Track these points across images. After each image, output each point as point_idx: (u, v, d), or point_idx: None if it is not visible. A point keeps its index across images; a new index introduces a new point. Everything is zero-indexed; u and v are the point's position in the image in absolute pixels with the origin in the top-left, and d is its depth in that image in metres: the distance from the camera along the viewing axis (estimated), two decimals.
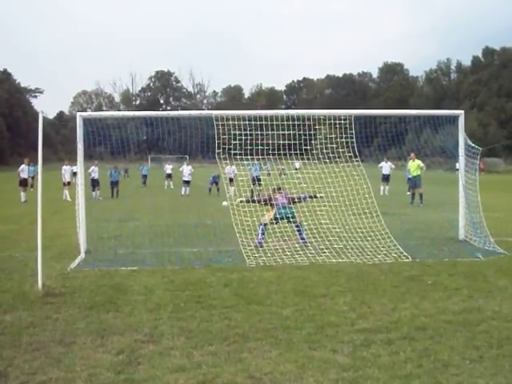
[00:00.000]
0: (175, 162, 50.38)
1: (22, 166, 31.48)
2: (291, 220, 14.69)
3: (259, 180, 26.86)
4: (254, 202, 15.57)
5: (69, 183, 31.49)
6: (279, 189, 15.43)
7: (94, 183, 32.59)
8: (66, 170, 31.69)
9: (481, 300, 9.03)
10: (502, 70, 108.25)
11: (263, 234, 14.55)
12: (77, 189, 14.41)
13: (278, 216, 14.68)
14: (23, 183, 30.76)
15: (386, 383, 5.78)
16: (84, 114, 14.73)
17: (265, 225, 14.68)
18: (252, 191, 21.46)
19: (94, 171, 32.40)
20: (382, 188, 32.72)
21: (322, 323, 7.82)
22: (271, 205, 14.94)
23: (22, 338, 7.30)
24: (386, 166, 33.35)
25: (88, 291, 9.83)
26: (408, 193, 29.63)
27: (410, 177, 27.98)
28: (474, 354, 6.58)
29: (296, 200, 15.29)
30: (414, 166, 27.33)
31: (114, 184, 33.96)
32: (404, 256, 12.73)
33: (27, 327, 7.80)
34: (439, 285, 10.11)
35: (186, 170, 35.90)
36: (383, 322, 7.84)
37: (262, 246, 14.05)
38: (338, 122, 14.68)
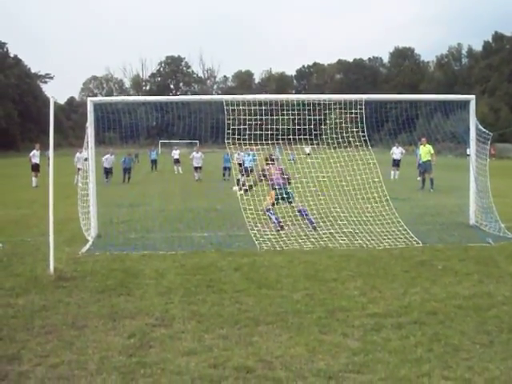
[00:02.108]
0: (185, 148, 50.38)
1: (34, 151, 31.61)
2: (291, 202, 14.72)
3: (251, 171, 27.09)
4: (250, 187, 15.60)
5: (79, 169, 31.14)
6: (272, 160, 15.38)
7: (107, 171, 32.78)
8: (79, 157, 30.25)
9: (491, 285, 9.02)
10: None
11: (274, 214, 14.60)
12: (82, 174, 14.48)
13: (278, 197, 14.74)
14: (35, 168, 30.85)
15: (396, 367, 5.80)
16: (94, 98, 14.78)
17: (268, 210, 14.71)
18: (238, 180, 21.40)
19: (108, 160, 32.35)
20: (392, 173, 32.64)
21: (332, 307, 7.85)
22: (266, 178, 14.96)
23: (35, 322, 7.37)
24: (396, 152, 33.31)
25: (99, 275, 9.89)
26: (419, 178, 29.53)
27: (420, 162, 27.87)
28: (485, 338, 6.59)
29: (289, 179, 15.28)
30: (426, 150, 27.21)
31: (127, 170, 34.43)
32: (414, 241, 12.72)
33: (39, 311, 7.86)
34: (450, 270, 10.10)
35: (196, 156, 35.75)
36: (394, 307, 7.85)
37: (282, 227, 14.20)
38: (348, 106, 14.64)
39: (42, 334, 6.92)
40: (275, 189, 14.79)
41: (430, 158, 26.99)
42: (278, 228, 14.19)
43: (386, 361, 5.96)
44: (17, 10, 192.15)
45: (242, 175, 23.10)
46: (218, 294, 8.61)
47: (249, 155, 29.74)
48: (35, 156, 31.37)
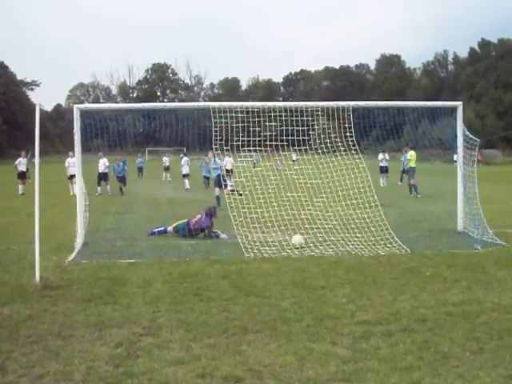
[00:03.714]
0: (172, 154, 50.29)
1: (20, 158, 31.35)
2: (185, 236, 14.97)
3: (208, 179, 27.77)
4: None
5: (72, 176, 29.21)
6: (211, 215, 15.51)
7: (101, 177, 30.32)
8: (70, 162, 28.18)
9: (480, 292, 9.01)
10: (500, 62, 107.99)
11: (156, 230, 15.42)
12: (70, 180, 14.41)
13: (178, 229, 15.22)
14: (21, 176, 30.61)
15: (386, 375, 5.75)
16: (81, 106, 14.71)
17: (163, 229, 15.35)
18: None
19: (102, 164, 31.31)
20: (381, 180, 32.68)
21: (321, 315, 7.80)
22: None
23: (20, 331, 7.27)
24: (382, 158, 33.44)
25: (86, 284, 9.80)
26: (400, 183, 29.85)
27: (406, 168, 28.04)
28: (475, 345, 6.56)
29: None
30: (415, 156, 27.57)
31: (121, 179, 31.18)
32: (403, 248, 12.72)
33: (25, 320, 7.77)
34: (438, 276, 10.09)
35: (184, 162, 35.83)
36: (383, 314, 7.82)
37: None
38: (336, 113, 14.65)
39: (27, 344, 6.82)
40: (187, 221, 15.11)
41: (414, 165, 27.20)
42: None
43: (375, 369, 5.91)
44: (2, 17, 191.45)
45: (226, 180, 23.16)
46: (205, 303, 8.54)
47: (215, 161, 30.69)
48: (21, 164, 31.08)
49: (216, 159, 23.01)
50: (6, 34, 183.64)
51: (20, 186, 29.81)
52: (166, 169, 43.37)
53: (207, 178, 31.23)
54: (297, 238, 13.79)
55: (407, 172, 28.17)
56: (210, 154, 24.01)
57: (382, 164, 33.44)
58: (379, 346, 6.59)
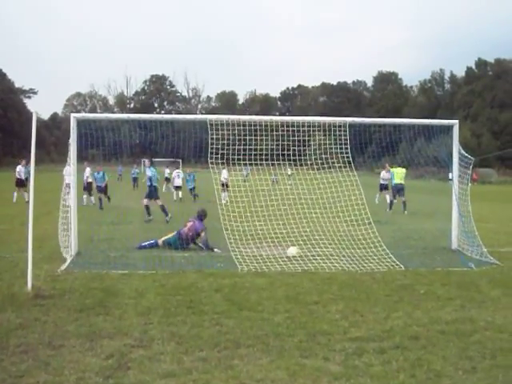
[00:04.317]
0: (168, 166, 50.26)
1: (19, 166, 31.27)
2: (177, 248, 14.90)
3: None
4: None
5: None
6: (201, 218, 15.50)
7: (85, 188, 29.76)
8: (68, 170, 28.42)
9: (474, 310, 9.00)
10: (496, 81, 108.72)
11: (148, 243, 15.05)
12: (64, 191, 14.40)
13: (170, 242, 15.00)
14: (19, 184, 30.51)
15: None
16: (78, 115, 14.67)
17: (154, 243, 15.12)
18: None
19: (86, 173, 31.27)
20: (378, 197, 32.25)
21: (313, 331, 7.76)
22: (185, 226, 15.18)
23: (10, 340, 7.21)
24: (386, 176, 32.80)
25: (78, 293, 9.74)
26: (394, 200, 29.96)
27: (393, 184, 27.96)
28: (467, 364, 6.53)
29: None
30: (401, 172, 27.57)
31: (100, 190, 28.75)
32: (396, 265, 12.70)
33: (15, 329, 7.71)
34: (432, 294, 10.07)
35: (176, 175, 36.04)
36: (376, 331, 7.78)
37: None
38: (332, 129, 14.68)
39: (17, 354, 6.76)
40: (178, 234, 15.06)
41: (403, 182, 27.37)
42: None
43: None
44: (1, 25, 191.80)
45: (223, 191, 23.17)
46: (198, 316, 8.50)
47: (189, 175, 31.41)
48: (21, 172, 30.96)
49: (152, 168, 22.79)
50: (5, 41, 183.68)
51: (15, 194, 29.72)
52: (166, 180, 43.31)
53: (191, 190, 33.19)
54: (292, 250, 14.05)
55: (397, 189, 28.00)
56: (147, 162, 23.78)
57: (382, 182, 32.88)
58: (372, 362, 6.56)
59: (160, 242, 14.92)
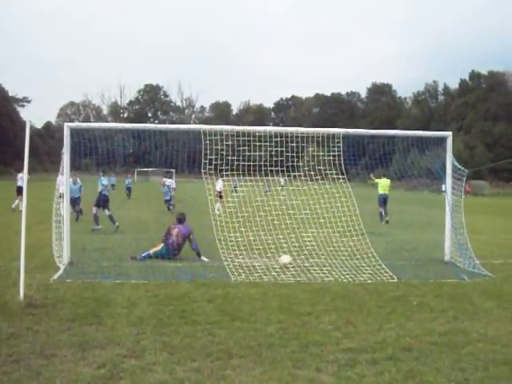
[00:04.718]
0: (161, 176, 50.27)
1: (20, 174, 31.15)
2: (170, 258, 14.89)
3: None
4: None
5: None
6: (181, 222, 15.59)
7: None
8: (62, 180, 26.84)
9: (466, 322, 9.01)
10: (490, 94, 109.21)
11: (145, 255, 14.92)
12: (57, 200, 14.37)
13: (163, 252, 15.00)
14: (20, 191, 30.38)
15: None
16: (72, 124, 14.67)
17: (147, 255, 15.01)
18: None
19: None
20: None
21: (306, 342, 7.76)
22: (167, 233, 15.27)
23: (2, 349, 7.19)
24: None
25: (70, 303, 9.71)
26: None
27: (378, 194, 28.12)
28: (460, 376, 6.54)
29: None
30: (386, 183, 28.00)
31: (73, 202, 23.40)
32: (390, 276, 12.71)
33: (7, 338, 7.68)
34: (425, 306, 10.08)
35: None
36: (368, 342, 7.78)
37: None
38: (326, 140, 14.72)
39: (8, 363, 6.74)
40: (166, 245, 15.03)
41: (387, 192, 27.89)
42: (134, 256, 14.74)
43: None
44: None
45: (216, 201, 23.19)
46: (190, 326, 8.48)
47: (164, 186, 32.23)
48: (20, 179, 30.80)
49: (105, 177, 22.90)
50: None
51: (16, 201, 29.66)
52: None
53: (167, 201, 32.15)
54: (284, 258, 14.22)
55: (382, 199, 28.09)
56: (101, 172, 23.49)
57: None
58: (364, 374, 6.56)
59: (151, 253, 14.90)
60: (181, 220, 15.44)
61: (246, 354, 7.21)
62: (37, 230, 18.64)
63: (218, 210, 21.01)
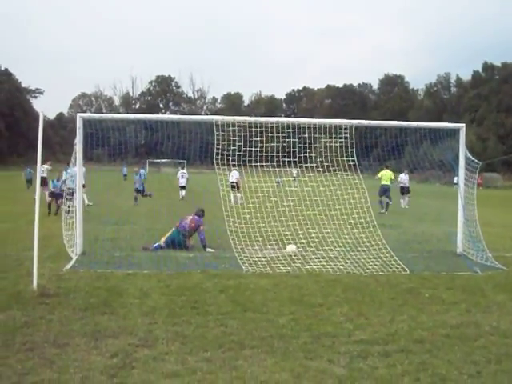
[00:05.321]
0: (172, 167, 50.42)
1: (44, 166, 31.06)
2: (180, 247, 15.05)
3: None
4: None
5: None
6: (199, 215, 15.72)
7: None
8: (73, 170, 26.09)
9: (479, 315, 8.98)
10: (503, 85, 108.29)
11: (156, 246, 15.09)
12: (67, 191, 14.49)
13: (172, 239, 15.15)
14: (45, 182, 30.26)
15: None
16: (84, 115, 14.70)
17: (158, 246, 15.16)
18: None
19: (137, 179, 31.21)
20: (401, 201, 32.08)
21: (318, 333, 7.76)
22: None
23: (16, 338, 7.25)
24: (404, 178, 32.61)
25: (83, 293, 9.76)
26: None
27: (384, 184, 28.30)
28: (472, 368, 6.52)
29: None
30: (389, 175, 28.33)
31: (55, 195, 23.64)
32: (401, 268, 12.67)
33: (21, 327, 7.74)
34: (437, 298, 10.05)
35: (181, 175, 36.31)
36: (380, 334, 7.77)
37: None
38: (338, 131, 14.68)
39: (22, 351, 6.79)
40: (177, 228, 15.26)
41: (389, 183, 28.18)
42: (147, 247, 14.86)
43: None
44: (8, 25, 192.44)
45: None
46: (202, 316, 8.51)
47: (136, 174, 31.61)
48: (46, 170, 30.53)
49: (68, 170, 22.99)
50: (12, 41, 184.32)
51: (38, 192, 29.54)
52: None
53: (138, 191, 31.09)
54: (290, 247, 14.57)
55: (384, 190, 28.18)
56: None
57: (402, 184, 32.65)
58: (376, 365, 6.56)
59: (162, 243, 14.97)
60: (199, 215, 15.53)
61: (258, 344, 7.22)
62: (48, 220, 18.75)
63: (236, 202, 21.04)
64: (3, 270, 11.52)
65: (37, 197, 11.05)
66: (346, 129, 14.63)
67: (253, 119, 15.56)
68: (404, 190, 32.33)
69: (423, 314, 8.97)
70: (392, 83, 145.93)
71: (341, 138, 14.83)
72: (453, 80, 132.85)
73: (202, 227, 15.21)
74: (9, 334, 7.39)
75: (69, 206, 14.38)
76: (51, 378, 6.01)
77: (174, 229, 15.25)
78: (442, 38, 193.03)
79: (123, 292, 9.94)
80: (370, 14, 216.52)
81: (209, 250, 14.79)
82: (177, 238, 14.95)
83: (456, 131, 15.26)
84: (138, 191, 30.99)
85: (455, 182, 17.49)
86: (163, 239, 15.10)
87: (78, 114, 14.18)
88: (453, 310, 9.26)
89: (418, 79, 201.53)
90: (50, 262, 12.21)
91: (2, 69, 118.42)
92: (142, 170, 33.58)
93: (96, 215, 21.26)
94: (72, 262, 12.47)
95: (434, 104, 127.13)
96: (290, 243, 14.83)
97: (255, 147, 15.28)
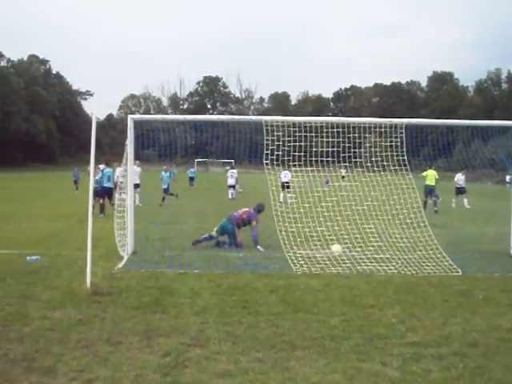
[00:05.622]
0: (220, 167, 50.75)
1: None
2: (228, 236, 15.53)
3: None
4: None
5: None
6: (259, 211, 15.88)
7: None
8: (136, 171, 23.24)
9: None
10: None
11: (205, 236, 15.48)
12: (119, 191, 14.69)
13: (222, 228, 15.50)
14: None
15: None
16: (135, 116, 14.86)
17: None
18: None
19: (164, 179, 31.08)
20: (453, 200, 31.61)
21: (370, 334, 7.69)
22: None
23: (71, 335, 7.38)
24: (461, 178, 31.99)
25: (135, 292, 9.89)
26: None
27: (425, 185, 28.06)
28: None
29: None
30: (432, 175, 28.06)
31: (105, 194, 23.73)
32: (454, 269, 12.47)
33: (75, 325, 7.88)
34: (491, 300, 9.85)
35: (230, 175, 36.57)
36: (433, 337, 7.66)
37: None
38: (388, 130, 14.53)
39: (77, 349, 6.91)
40: (228, 218, 15.59)
41: (433, 183, 27.96)
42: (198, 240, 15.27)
43: None
44: (60, 29, 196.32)
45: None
46: (253, 316, 8.52)
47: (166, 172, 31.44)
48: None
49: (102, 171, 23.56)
50: (62, 44, 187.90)
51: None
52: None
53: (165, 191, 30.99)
54: (335, 248, 14.44)
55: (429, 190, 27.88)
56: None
57: (458, 185, 32.05)
58: (430, 369, 6.46)
59: (214, 233, 15.15)
60: (256, 209, 15.72)
61: (310, 345, 7.20)
62: (99, 220, 19.02)
63: (285, 202, 21.02)
64: (57, 268, 11.76)
65: (90, 199, 11.21)
66: (395, 127, 14.45)
67: (302, 119, 15.53)
68: (460, 191, 31.68)
69: (477, 316, 8.80)
70: (441, 80, 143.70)
71: (390, 136, 14.68)
72: (504, 76, 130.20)
73: (254, 222, 15.30)
74: (64, 332, 7.54)
75: (118, 205, 14.56)
76: (106, 375, 6.10)
77: (224, 219, 15.46)
78: (493, 33, 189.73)
79: (174, 291, 10.02)
80: (419, 10, 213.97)
81: (259, 247, 14.83)
82: (227, 227, 15.24)
83: (508, 129, 14.95)
84: (165, 191, 31.02)
85: (508, 180, 17.13)
86: (215, 229, 15.34)
87: (129, 116, 14.35)
88: (507, 312, 9.06)
89: (468, 76, 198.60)
90: (102, 261, 12.36)
91: (54, 72, 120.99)
92: (171, 169, 33.65)
93: (146, 214, 21.47)
94: (123, 262, 12.65)
95: (485, 101, 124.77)
96: (334, 244, 14.73)
97: (304, 146, 15.22)
